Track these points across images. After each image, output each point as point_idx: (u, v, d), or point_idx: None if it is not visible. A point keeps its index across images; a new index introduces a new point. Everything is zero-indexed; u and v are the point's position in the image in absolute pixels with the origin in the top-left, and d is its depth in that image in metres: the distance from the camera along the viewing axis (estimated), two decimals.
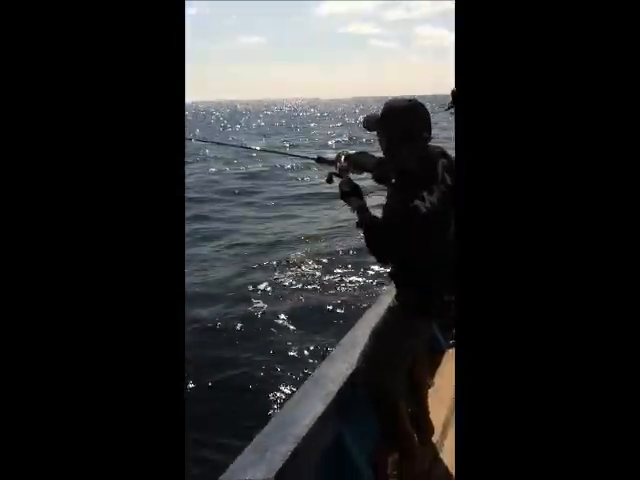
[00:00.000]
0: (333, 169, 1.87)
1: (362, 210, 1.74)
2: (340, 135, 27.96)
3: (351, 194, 1.76)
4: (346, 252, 6.79)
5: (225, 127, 39.67)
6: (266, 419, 1.73)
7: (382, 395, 1.84)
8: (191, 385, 3.67)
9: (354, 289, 5.54)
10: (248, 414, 3.32)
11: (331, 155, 1.98)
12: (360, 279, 5.81)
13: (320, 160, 2.03)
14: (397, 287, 1.86)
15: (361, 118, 1.91)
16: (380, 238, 1.71)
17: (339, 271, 6.16)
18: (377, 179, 1.93)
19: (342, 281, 5.81)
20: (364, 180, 1.90)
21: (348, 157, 1.86)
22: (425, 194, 1.61)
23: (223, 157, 18.44)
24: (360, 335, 2.19)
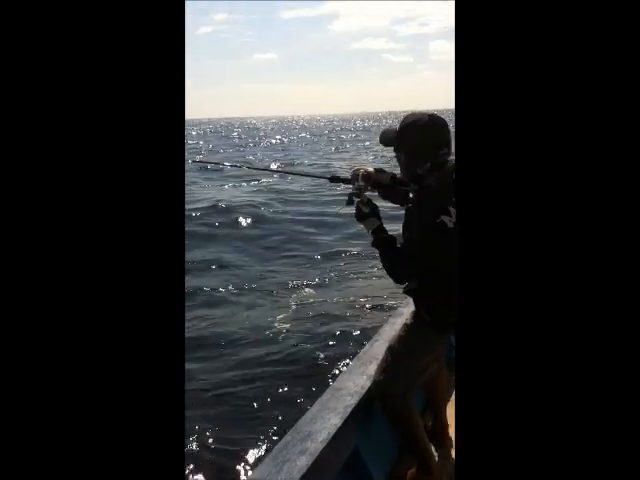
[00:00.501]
0: (349, 188, 1.83)
1: (379, 231, 1.73)
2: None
3: (370, 215, 1.73)
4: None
5: (247, 144, 39.16)
6: (283, 430, 1.73)
7: (398, 411, 1.83)
8: (204, 395, 3.69)
9: (373, 303, 5.52)
10: (265, 425, 3.32)
11: (345, 172, 1.96)
12: (378, 293, 5.80)
13: (334, 179, 1.99)
14: (415, 303, 1.84)
15: None
16: (399, 260, 1.69)
17: (356, 283, 6.16)
18: (385, 196, 1.92)
19: (360, 293, 5.80)
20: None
21: (367, 175, 1.81)
22: (451, 208, 1.59)
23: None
24: (377, 349, 2.18)
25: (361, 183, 1.79)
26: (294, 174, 3.05)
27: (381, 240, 1.72)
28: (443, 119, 1.70)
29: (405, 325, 1.87)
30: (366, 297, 5.65)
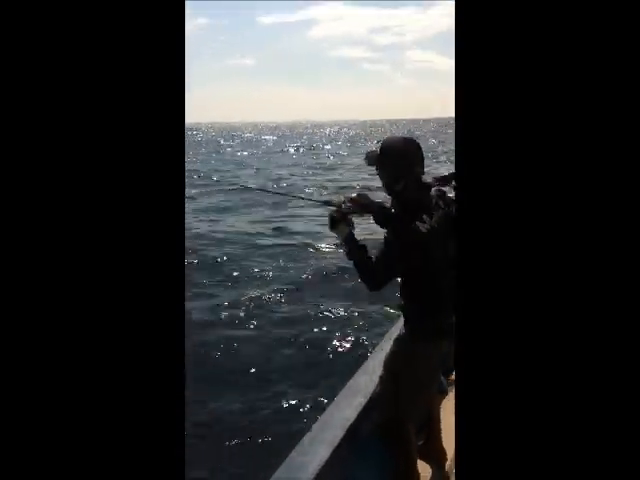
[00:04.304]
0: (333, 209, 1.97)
1: (350, 240, 1.87)
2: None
3: (338, 223, 1.89)
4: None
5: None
6: (274, 464, 1.79)
7: (391, 432, 1.92)
8: (196, 429, 3.70)
9: (356, 332, 5.58)
10: (255, 460, 3.35)
11: (336, 198, 2.08)
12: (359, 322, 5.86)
13: (327, 203, 2.14)
14: (404, 314, 1.95)
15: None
16: (371, 269, 1.79)
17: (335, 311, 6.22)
18: (380, 222, 2.02)
19: (342, 322, 5.86)
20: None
21: (352, 199, 1.98)
22: (425, 217, 1.80)
23: None
24: (363, 381, 2.27)
25: (349, 204, 1.96)
26: (293, 197, 3.18)
27: (352, 250, 1.85)
28: (416, 142, 1.93)
29: (395, 339, 1.97)
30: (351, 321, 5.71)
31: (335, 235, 1.93)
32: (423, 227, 1.78)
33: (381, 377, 1.98)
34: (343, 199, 2.00)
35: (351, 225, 1.91)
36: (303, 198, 2.74)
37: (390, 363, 1.96)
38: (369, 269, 1.81)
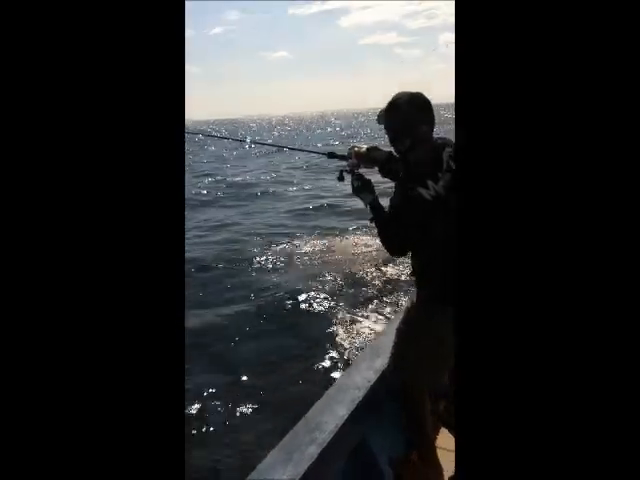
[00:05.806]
0: (345, 164, 1.90)
1: (374, 205, 1.79)
2: None
3: (362, 189, 1.81)
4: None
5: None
6: (291, 423, 1.78)
7: (406, 395, 1.86)
8: (210, 390, 3.76)
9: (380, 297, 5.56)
10: (274, 418, 3.39)
11: (343, 151, 2.00)
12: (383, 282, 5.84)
13: (332, 155, 2.06)
14: (415, 281, 1.85)
15: None
16: (389, 230, 1.74)
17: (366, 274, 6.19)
18: (385, 173, 1.94)
19: (367, 285, 5.84)
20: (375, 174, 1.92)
21: (358, 153, 1.90)
22: (429, 182, 1.64)
23: None
24: (384, 343, 2.23)
25: (354, 160, 1.88)
26: (295, 149, 3.01)
27: (374, 216, 1.79)
28: (425, 99, 1.74)
29: (406, 309, 1.89)
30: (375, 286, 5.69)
31: (359, 199, 1.84)
32: (427, 194, 1.64)
33: (394, 343, 1.90)
34: (349, 152, 1.91)
35: (373, 191, 1.82)
36: (307, 151, 2.59)
37: (398, 329, 1.89)
38: (387, 235, 1.75)
